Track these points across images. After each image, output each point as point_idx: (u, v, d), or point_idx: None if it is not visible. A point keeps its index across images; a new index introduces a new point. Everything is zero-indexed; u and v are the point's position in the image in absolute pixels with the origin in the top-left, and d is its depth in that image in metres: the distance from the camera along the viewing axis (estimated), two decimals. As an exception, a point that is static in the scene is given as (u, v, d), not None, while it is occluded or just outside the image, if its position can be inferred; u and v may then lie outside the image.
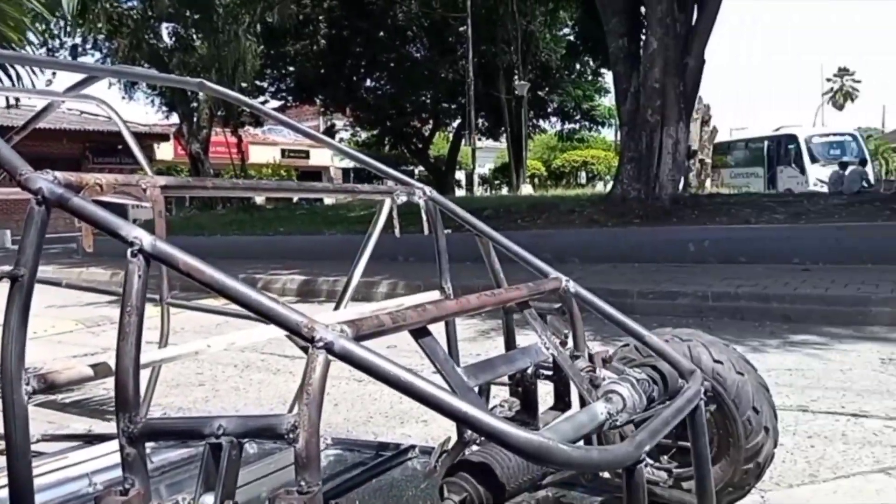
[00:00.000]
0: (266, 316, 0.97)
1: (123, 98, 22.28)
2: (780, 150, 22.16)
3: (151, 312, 2.16)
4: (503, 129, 24.21)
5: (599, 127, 29.57)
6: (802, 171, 20.53)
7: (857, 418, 2.92)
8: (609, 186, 14.17)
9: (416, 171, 27.96)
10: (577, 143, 33.50)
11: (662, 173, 9.80)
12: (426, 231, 1.90)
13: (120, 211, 1.16)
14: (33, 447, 2.20)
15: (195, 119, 20.73)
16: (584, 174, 34.64)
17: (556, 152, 36.32)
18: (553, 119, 27.87)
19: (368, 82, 24.29)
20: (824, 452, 2.58)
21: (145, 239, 1.03)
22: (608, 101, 25.87)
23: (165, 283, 2.33)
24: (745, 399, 1.69)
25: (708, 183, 20.97)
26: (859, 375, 3.59)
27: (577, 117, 27.54)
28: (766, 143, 23.23)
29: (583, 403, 1.40)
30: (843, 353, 4.10)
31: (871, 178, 17.95)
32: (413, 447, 1.98)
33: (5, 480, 1.05)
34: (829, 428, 2.83)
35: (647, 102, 9.76)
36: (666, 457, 1.65)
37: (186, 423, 1.07)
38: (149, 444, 1.10)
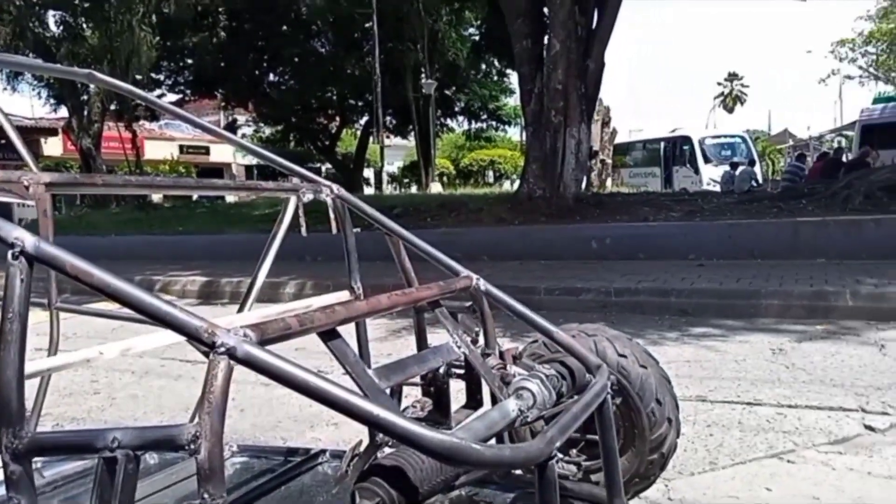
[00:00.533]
0: (162, 321, 0.92)
1: (5, 89, 20.88)
2: (675, 151, 23.20)
3: (41, 318, 2.03)
4: (411, 127, 24.22)
5: (506, 126, 30.08)
6: (696, 170, 21.56)
7: (752, 406, 3.08)
8: (516, 185, 14.43)
9: (324, 169, 27.55)
10: (484, 143, 34.00)
11: (566, 173, 10.05)
12: (334, 230, 1.86)
13: (4, 211, 1.07)
14: None
15: (86, 112, 19.69)
16: (491, 173, 35.17)
17: (464, 151, 36.72)
18: (460, 118, 28.11)
19: (272, 77, 23.73)
20: (722, 440, 2.71)
21: (28, 240, 0.95)
22: (514, 100, 26.34)
23: (54, 286, 2.18)
24: (648, 391, 1.74)
25: (609, 182, 21.73)
26: (752, 365, 3.79)
27: (484, 117, 27.89)
28: (662, 143, 24.26)
29: (494, 401, 1.40)
30: (738, 345, 4.32)
31: (760, 177, 19.04)
32: (324, 451, 1.94)
33: None
34: (726, 417, 2.97)
35: (550, 104, 9.98)
36: (575, 450, 1.68)
37: (78, 437, 1.00)
38: (38, 459, 1.02)
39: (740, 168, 17.28)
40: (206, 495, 0.83)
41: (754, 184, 16.22)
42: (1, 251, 0.94)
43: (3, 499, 0.93)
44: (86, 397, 3.74)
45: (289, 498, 1.72)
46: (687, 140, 22.66)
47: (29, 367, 1.26)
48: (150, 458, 1.85)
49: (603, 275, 6.53)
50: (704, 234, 7.95)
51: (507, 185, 27.79)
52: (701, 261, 7.23)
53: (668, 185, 21.96)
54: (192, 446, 0.85)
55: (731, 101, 55.66)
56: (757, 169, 19.49)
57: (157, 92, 21.56)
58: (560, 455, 1.58)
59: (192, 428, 0.85)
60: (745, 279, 5.98)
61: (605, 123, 21.44)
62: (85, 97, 19.57)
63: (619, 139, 24.45)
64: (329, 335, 1.17)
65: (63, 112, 21.64)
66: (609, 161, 22.05)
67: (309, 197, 1.80)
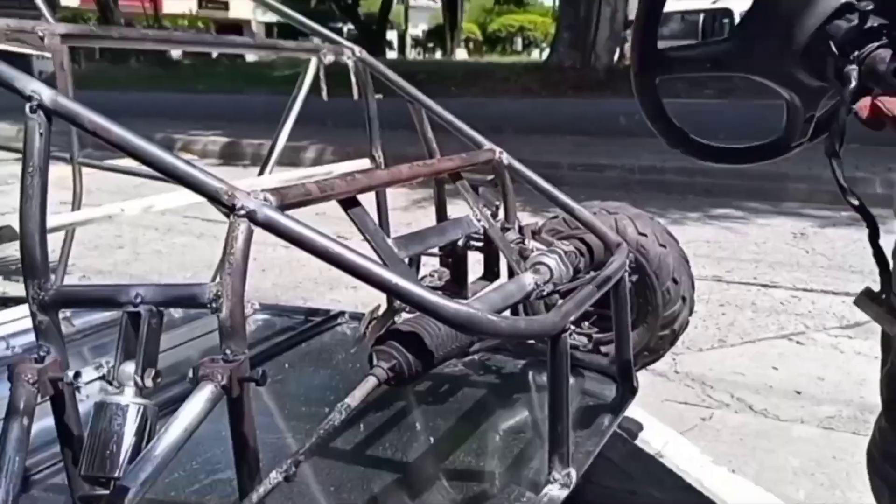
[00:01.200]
0: (182, 181, 0.91)
1: (18, -68, 20.05)
2: (714, 24, 22.09)
3: (63, 172, 2.05)
4: (438, -13, 23.16)
5: (538, -10, 28.64)
6: (735, 45, 20.60)
7: (767, 288, 3.10)
8: (545, 55, 13.94)
9: (345, 29, 26.62)
10: (514, 7, 32.48)
11: (599, 43, 9.67)
12: (356, 95, 1.82)
13: (23, 64, 1.05)
14: (-58, 311, 2.12)
15: (102, -39, 18.96)
16: (520, 40, 33.86)
17: (492, 15, 35.16)
18: (491, -21, 26.75)
19: (295, -72, 22.53)
20: (734, 319, 2.75)
21: (45, 93, 0.93)
22: (548, -38, 24.92)
23: (75, 140, 2.18)
24: (665, 270, 1.75)
25: (642, 54, 20.86)
26: (772, 248, 3.78)
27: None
28: (701, 15, 23.05)
29: (511, 274, 1.41)
30: (760, 227, 4.29)
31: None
32: (343, 313, 1.99)
33: None
34: (740, 297, 3.00)
35: (587, -34, 9.44)
36: (587, 323, 1.71)
37: (102, 291, 1.02)
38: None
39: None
40: (227, 351, 0.86)
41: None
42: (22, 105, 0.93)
43: (34, 345, 0.97)
44: (111, 251, 3.84)
45: (308, 355, 1.78)
46: (728, 13, 21.45)
47: (52, 221, 1.27)
48: (175, 312, 1.92)
49: (629, 151, 6.41)
50: (737, 113, 7.70)
51: (535, 55, 26.82)
52: (728, 142, 7.05)
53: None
54: (214, 305, 0.86)
55: (779, -30, 52.23)
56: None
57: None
58: (573, 328, 1.62)
59: (214, 287, 0.87)
60: (774, 161, 5.85)
61: (643, -9, 20.32)
62: (100, -56, 18.79)
63: (656, 8, 23.23)
64: (349, 203, 1.16)
65: (78, -41, 20.85)
66: (643, 32, 21.08)
67: (330, 59, 1.74)
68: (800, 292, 3.04)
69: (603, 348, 1.71)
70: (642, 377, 1.83)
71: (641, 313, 1.79)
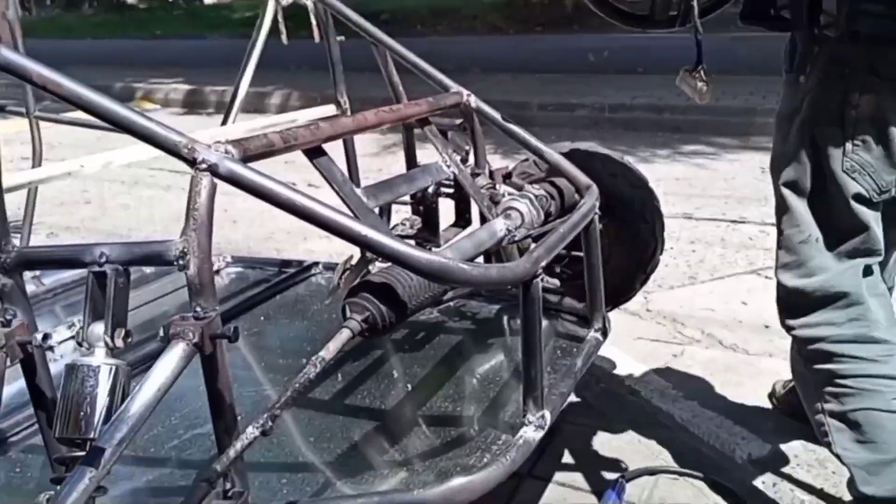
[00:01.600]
0: (140, 135, 0.88)
1: None
2: None
3: (22, 127, 1.98)
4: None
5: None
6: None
7: (736, 224, 3.15)
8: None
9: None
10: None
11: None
12: (317, 38, 1.76)
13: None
14: None
15: None
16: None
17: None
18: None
19: None
20: (704, 256, 2.79)
21: (-11, 46, 0.88)
22: None
23: (30, 94, 2.09)
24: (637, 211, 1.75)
25: (611, -12, 20.52)
26: (741, 184, 3.82)
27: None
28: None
29: (483, 220, 1.41)
30: (729, 163, 4.32)
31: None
32: (316, 264, 1.98)
33: None
34: (710, 234, 3.04)
35: None
36: (559, 266, 1.72)
37: (65, 252, 1.00)
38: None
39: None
40: (198, 308, 0.85)
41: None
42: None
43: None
44: (78, 207, 3.76)
45: (283, 307, 1.78)
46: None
47: (10, 180, 1.23)
48: (147, 269, 1.89)
49: (598, 89, 6.36)
50: (705, 47, 7.67)
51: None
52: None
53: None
54: (181, 262, 0.85)
55: None
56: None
57: None
58: (545, 274, 1.63)
59: (179, 244, 0.85)
60: (742, 96, 5.85)
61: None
62: None
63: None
64: (315, 153, 1.14)
65: None
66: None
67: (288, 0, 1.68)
68: (768, 227, 3.08)
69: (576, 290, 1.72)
70: (614, 316, 1.86)
71: (613, 254, 1.80)
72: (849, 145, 1.16)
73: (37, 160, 2.12)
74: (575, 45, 8.21)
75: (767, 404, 1.83)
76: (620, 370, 2.02)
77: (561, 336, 1.55)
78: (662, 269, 2.10)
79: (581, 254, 1.43)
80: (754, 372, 1.98)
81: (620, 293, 1.84)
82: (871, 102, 1.13)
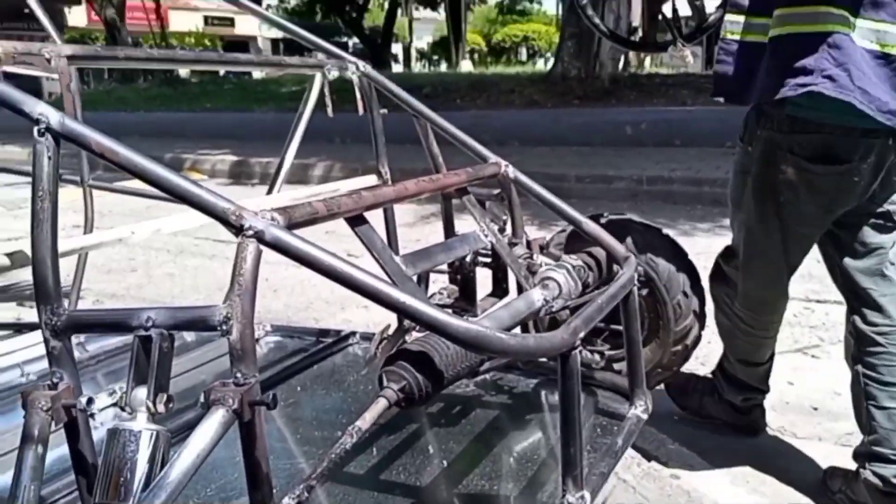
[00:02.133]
0: (190, 202, 0.91)
1: (26, -45, 20.26)
2: (719, 30, 22.00)
3: (74, 195, 2.06)
4: None
5: (541, -1, 28.70)
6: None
7: (779, 301, 3.07)
8: (550, 64, 13.98)
9: (351, 44, 26.77)
10: (517, 17, 32.59)
11: (603, 51, 9.69)
12: (361, 110, 1.82)
13: (33, 85, 1.05)
14: (-45, 336, 2.12)
15: (108, -20, 19.15)
16: (524, 50, 33.93)
17: (496, 26, 35.29)
18: (493, -10, 26.84)
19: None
20: (746, 333, 2.72)
21: (52, 116, 0.93)
22: (551, -28, 24.99)
23: (85, 163, 2.18)
24: (676, 284, 1.74)
25: (647, 62, 20.86)
26: (782, 258, 3.74)
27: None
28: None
29: (520, 290, 1.41)
30: (769, 237, 4.25)
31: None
32: (354, 333, 1.99)
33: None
34: (751, 309, 2.97)
35: (590, -24, 9.47)
36: (599, 339, 1.70)
37: (114, 315, 1.02)
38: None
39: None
40: (238, 374, 0.85)
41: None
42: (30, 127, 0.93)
43: (48, 372, 0.96)
44: (124, 275, 3.86)
45: (320, 377, 1.78)
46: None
47: (63, 245, 1.28)
48: (189, 335, 1.92)
49: (636, 162, 6.40)
50: (706, 117, 7.69)
51: (540, 64, 26.85)
52: (731, 147, 7.02)
53: (709, 67, 21.03)
54: (224, 327, 0.86)
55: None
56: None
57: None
58: (583, 345, 1.61)
59: (223, 309, 0.86)
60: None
61: (647, -1, 20.29)
62: (107, -36, 18.98)
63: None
64: (356, 220, 1.16)
65: (86, -20, 21.08)
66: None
67: (334, 74, 1.74)
68: (813, 304, 3.01)
69: (616, 366, 1.69)
70: (657, 394, 1.82)
71: (653, 329, 1.78)
72: (780, 197, 1.64)
73: (88, 227, 2.20)
74: (612, 118, 8.31)
75: (817, 492, 1.74)
76: (663, 451, 1.95)
77: (601, 413, 1.51)
78: (705, 345, 2.06)
79: (620, 327, 1.41)
80: (803, 457, 1.90)
81: (662, 369, 1.81)
82: (792, 171, 1.59)
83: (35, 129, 0.93)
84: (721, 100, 1.70)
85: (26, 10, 2.18)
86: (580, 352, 1.09)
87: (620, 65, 11.07)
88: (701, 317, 1.78)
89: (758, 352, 1.93)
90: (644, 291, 1.70)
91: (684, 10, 1.99)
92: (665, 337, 1.74)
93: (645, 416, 1.40)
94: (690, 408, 2.12)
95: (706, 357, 2.44)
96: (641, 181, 5.76)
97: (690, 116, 8.15)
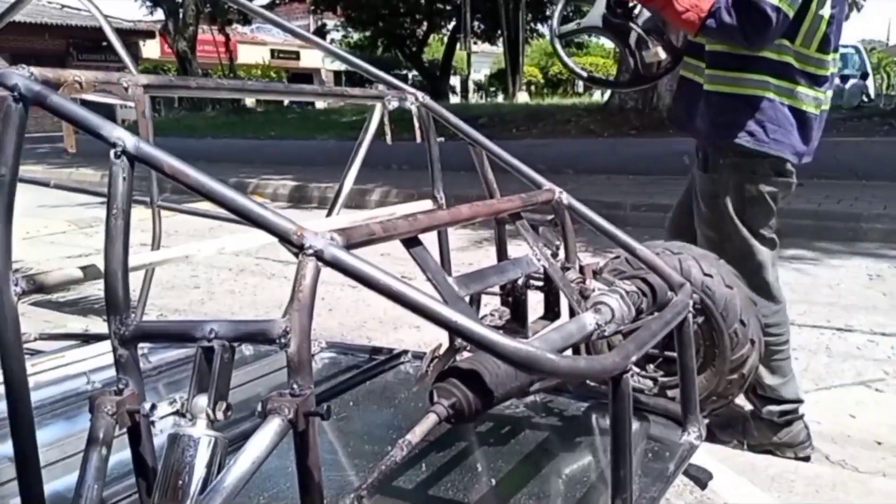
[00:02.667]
0: (255, 222, 0.95)
1: (106, -9, 21.36)
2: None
3: (143, 215, 2.16)
4: (500, 32, 23.50)
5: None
6: (804, 83, 20.07)
7: (842, 332, 2.98)
8: (606, 96, 13.94)
9: (410, 76, 27.26)
10: (575, 50, 32.67)
11: (661, 83, 9.61)
12: (419, 139, 1.86)
13: (108, 112, 1.12)
14: (31, 346, 2.24)
15: (181, 15, 20.02)
16: (581, 82, 33.92)
17: (553, 58, 35.42)
18: (552, 23, 26.96)
19: (360, -22, 23.33)
20: (808, 365, 2.65)
21: (128, 140, 0.99)
22: (610, 4, 24.96)
23: (154, 185, 2.30)
24: (732, 312, 1.71)
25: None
26: (847, 290, 3.64)
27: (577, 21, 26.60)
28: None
29: (572, 314, 1.41)
30: (833, 269, 4.14)
31: (872, 92, 17.65)
32: (406, 352, 2.02)
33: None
34: (814, 341, 2.89)
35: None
36: (652, 366, 1.68)
37: (178, 326, 1.07)
38: (145, 345, 1.11)
39: (850, 81, 16.02)
40: (294, 386, 0.88)
41: (865, 99, 15.08)
42: (107, 150, 0.99)
43: (113, 380, 1.01)
44: (187, 291, 3.99)
45: (372, 393, 1.81)
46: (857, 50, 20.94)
47: (133, 261, 1.34)
48: (246, 350, 1.98)
49: (693, 191, 6.30)
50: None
51: (597, 96, 26.82)
52: (800, 179, 6.85)
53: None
54: (283, 340, 0.89)
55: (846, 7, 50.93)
56: (869, 83, 18.01)
57: (249, -5, 21.59)
58: (636, 369, 1.60)
59: (282, 323, 0.90)
60: (847, 200, 5.66)
61: (707, 30, 20.08)
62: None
63: (721, 48, 22.87)
64: (411, 242, 1.19)
65: (159, 14, 22.08)
66: (708, 71, 20.76)
67: (394, 105, 1.80)
68: (878, 336, 2.91)
69: (669, 392, 1.67)
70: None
71: (708, 356, 1.75)
72: (748, 211, 1.93)
73: (156, 245, 2.30)
74: (670, 148, 8.20)
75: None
76: (717, 481, 1.90)
77: (653, 439, 1.49)
78: (762, 375, 2.02)
79: (674, 354, 1.40)
80: (865, 491, 1.83)
81: (717, 397, 1.77)
82: (756, 188, 1.91)
83: (112, 152, 0.99)
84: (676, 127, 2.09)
85: (104, 43, 2.32)
86: (632, 376, 1.09)
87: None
88: (759, 345, 1.74)
89: (776, 357, 2.05)
90: (700, 319, 1.67)
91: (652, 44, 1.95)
92: (721, 365, 1.71)
93: (698, 443, 1.38)
94: (735, 437, 2.14)
95: (764, 389, 2.38)
96: (699, 211, 5.66)
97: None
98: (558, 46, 2.12)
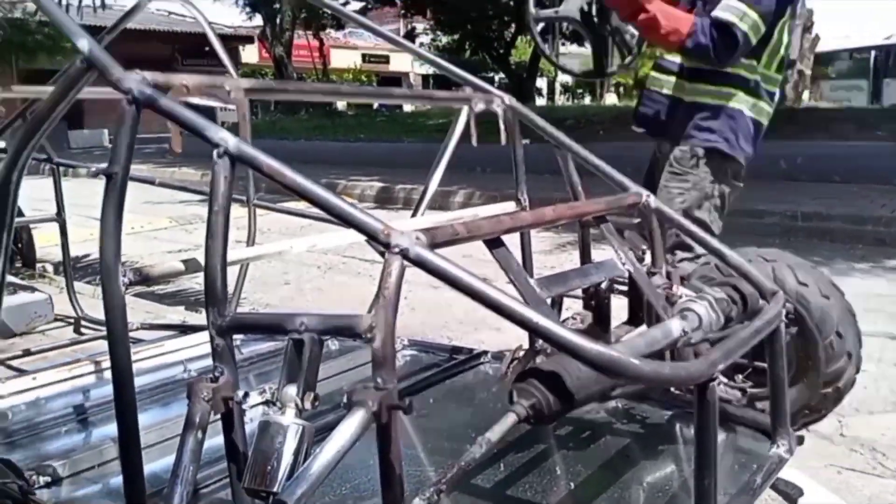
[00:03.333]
0: (345, 220, 0.99)
1: (208, -2, 22.35)
2: (888, 62, 20.42)
3: (239, 213, 2.26)
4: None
5: (693, 33, 27.84)
6: (911, 85, 18.98)
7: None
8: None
9: (497, 79, 27.20)
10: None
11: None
12: (504, 141, 1.87)
13: (207, 113, 1.18)
14: (133, 335, 2.38)
15: (278, 21, 20.72)
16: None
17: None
18: (643, 24, 26.35)
19: (450, -19, 23.48)
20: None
21: (230, 141, 1.05)
22: (704, 4, 24.19)
23: (251, 184, 2.40)
24: (828, 323, 1.64)
25: (806, 95, 19.66)
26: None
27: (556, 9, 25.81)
28: (872, 53, 21.42)
29: (657, 320, 1.39)
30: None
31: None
32: (486, 353, 2.03)
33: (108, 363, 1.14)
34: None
35: (747, 7, 9.11)
36: (741, 376, 1.63)
37: (272, 319, 1.12)
38: (237, 337, 1.16)
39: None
40: (378, 379, 0.91)
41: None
42: (207, 150, 1.05)
43: (208, 369, 1.07)
44: (277, 287, 4.13)
45: (452, 391, 1.83)
46: (901, 48, 19.80)
47: (230, 256, 1.41)
48: (332, 345, 2.04)
49: (790, 197, 6.04)
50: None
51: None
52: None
53: (875, 101, 19.50)
54: (368, 335, 0.92)
55: (970, 1, 47.55)
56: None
57: (342, 0, 22.17)
58: (724, 379, 1.55)
59: (368, 319, 0.93)
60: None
61: (807, 29, 19.13)
62: (277, 5, 20.54)
63: (821, 47, 21.85)
64: (494, 243, 1.20)
65: (257, 20, 22.93)
66: (808, 72, 19.82)
67: (480, 107, 1.81)
68: None
69: (759, 404, 1.62)
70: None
71: (802, 368, 1.69)
72: (718, 202, 2.15)
73: (251, 241, 2.40)
74: (765, 151, 7.82)
75: None
76: (808, 498, 1.82)
77: (739, 451, 1.45)
78: (860, 391, 1.92)
79: (765, 364, 1.35)
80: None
81: (809, 411, 1.70)
82: (720, 188, 2.13)
83: (215, 153, 1.05)
84: (642, 130, 2.39)
85: (207, 48, 2.44)
86: (719, 384, 1.06)
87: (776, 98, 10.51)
88: (856, 359, 1.66)
89: None
90: (793, 329, 1.61)
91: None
92: (814, 378, 1.65)
93: (788, 457, 1.33)
94: None
95: (861, 403, 2.26)
96: (796, 217, 5.43)
97: (852, 152, 7.59)
98: (535, 29, 2.29)
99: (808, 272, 1.73)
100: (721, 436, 1.09)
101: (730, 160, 2.12)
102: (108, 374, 2.02)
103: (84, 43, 1.12)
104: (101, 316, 1.16)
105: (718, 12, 1.91)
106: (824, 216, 5.39)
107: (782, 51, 2.10)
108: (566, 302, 1.62)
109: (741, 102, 2.07)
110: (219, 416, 1.05)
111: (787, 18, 2.04)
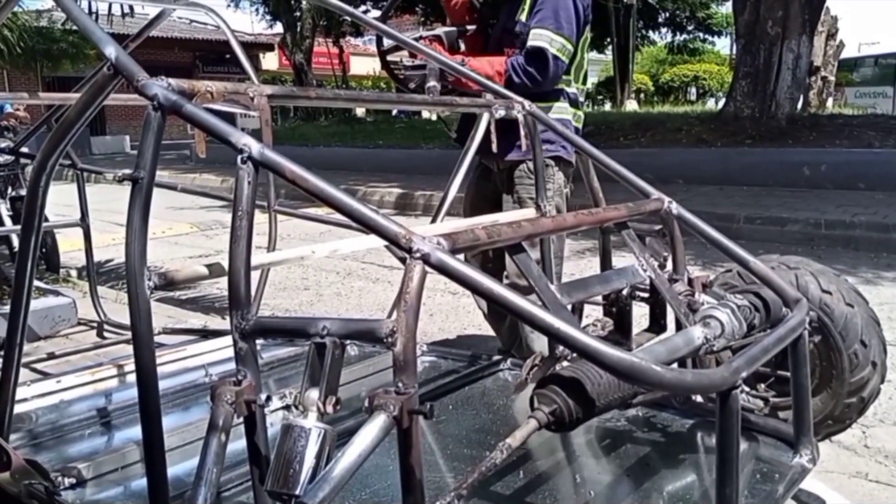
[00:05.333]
0: (367, 226, 1.00)
1: (229, 6, 22.58)
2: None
3: (260, 219, 2.28)
4: (609, 40, 23.09)
5: (714, 37, 27.72)
6: (939, 92, 18.70)
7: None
8: (720, 104, 13.43)
9: (517, 85, 27.14)
10: (688, 57, 31.63)
11: (780, 90, 9.16)
12: (524, 147, 1.87)
13: (229, 119, 1.20)
14: (156, 339, 2.40)
15: (299, 28, 20.87)
16: (694, 90, 32.75)
17: (664, 66, 34.39)
18: (663, 30, 26.28)
19: (470, -10, 23.51)
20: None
21: (254, 146, 1.06)
22: (726, 8, 24.06)
23: (272, 190, 2.42)
24: (852, 332, 1.62)
25: (829, 102, 19.45)
26: None
27: (691, 28, 25.76)
28: (898, 59, 21.14)
29: (679, 328, 1.38)
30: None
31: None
32: (505, 359, 2.03)
33: (132, 367, 1.15)
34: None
35: (767, 13, 9.03)
36: (764, 385, 1.62)
37: (294, 323, 1.13)
38: (259, 341, 1.17)
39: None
40: (399, 384, 0.92)
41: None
42: (228, 156, 1.06)
43: (233, 372, 1.08)
44: (297, 292, 4.16)
45: (471, 398, 1.83)
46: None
47: (253, 260, 1.42)
48: (351, 350, 2.05)
49: (814, 204, 5.98)
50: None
51: (710, 104, 25.81)
52: None
53: (898, 110, 19.20)
54: (390, 339, 0.93)
55: None
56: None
57: (362, 8, 22.31)
58: (746, 387, 1.54)
59: (390, 323, 0.93)
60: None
61: (831, 36, 18.97)
62: (297, 13, 20.70)
63: (846, 54, 21.60)
64: (515, 249, 1.21)
65: (278, 28, 23.12)
66: (832, 79, 19.62)
67: (501, 113, 1.81)
68: None
69: (782, 414, 1.60)
70: (826, 448, 1.68)
71: (825, 377, 1.67)
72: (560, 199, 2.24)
73: (271, 247, 2.42)
74: (788, 158, 7.81)
75: None
76: (831, 508, 1.80)
77: (761, 460, 1.43)
78: (885, 401, 1.89)
79: (787, 373, 1.34)
80: None
81: (833, 421, 1.68)
82: (566, 188, 2.29)
83: (238, 158, 1.06)
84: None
85: (227, 55, 2.47)
86: (742, 393, 1.05)
87: (799, 104, 10.40)
88: (881, 368, 1.64)
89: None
90: (816, 338, 1.60)
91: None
92: (838, 387, 1.63)
93: (811, 467, 1.32)
94: None
95: (885, 414, 2.22)
96: (819, 225, 5.37)
97: (877, 159, 7.48)
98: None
99: (831, 280, 1.71)
100: (743, 445, 1.07)
101: (567, 164, 2.33)
102: (130, 378, 2.05)
103: (111, 50, 1.14)
104: (123, 320, 1.18)
105: (530, 41, 2.19)
106: (848, 224, 5.32)
107: (585, 65, 2.41)
108: (586, 309, 1.62)
109: (566, 112, 2.33)
110: (241, 419, 1.06)
111: (585, 37, 2.32)
